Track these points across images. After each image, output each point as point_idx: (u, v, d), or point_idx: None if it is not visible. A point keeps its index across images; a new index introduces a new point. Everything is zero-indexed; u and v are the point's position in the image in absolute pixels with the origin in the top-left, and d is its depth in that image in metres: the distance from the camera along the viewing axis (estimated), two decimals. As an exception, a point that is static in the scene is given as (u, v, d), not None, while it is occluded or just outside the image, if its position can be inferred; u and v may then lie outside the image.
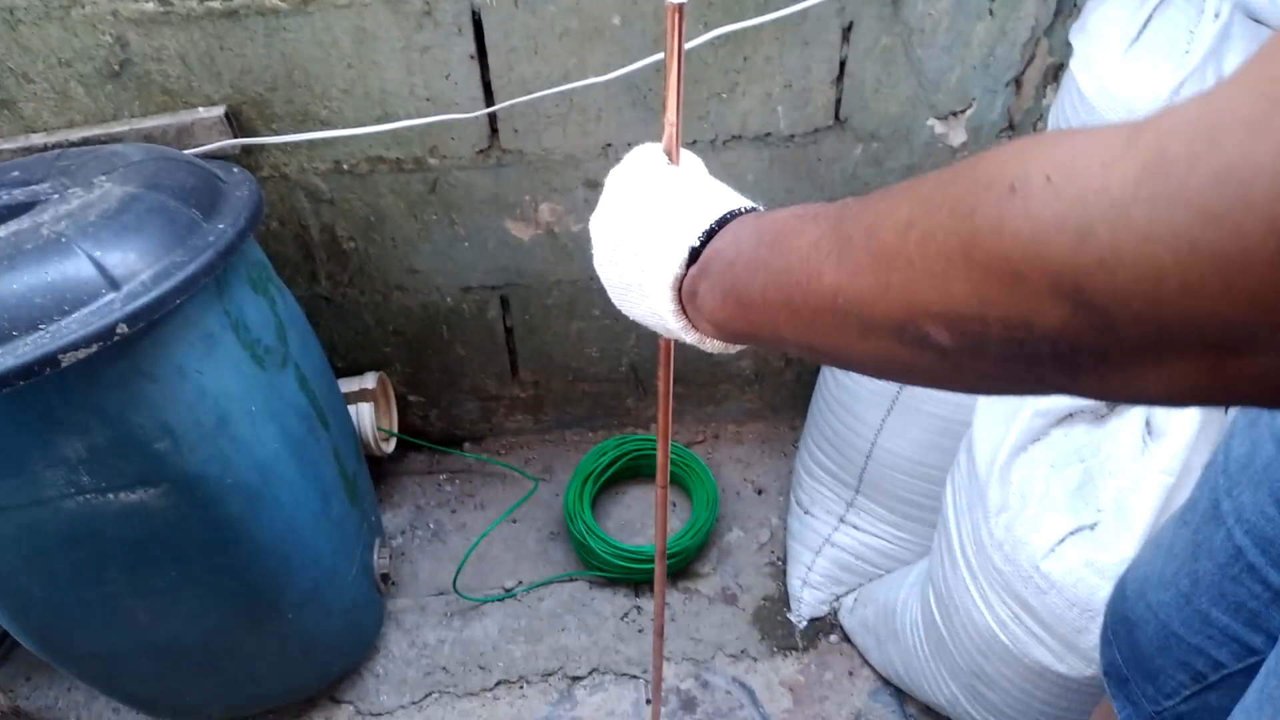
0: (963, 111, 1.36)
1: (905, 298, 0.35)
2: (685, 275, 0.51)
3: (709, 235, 0.51)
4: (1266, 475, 0.64)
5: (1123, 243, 0.27)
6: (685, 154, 0.64)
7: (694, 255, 0.51)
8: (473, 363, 1.67)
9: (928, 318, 0.34)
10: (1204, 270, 0.25)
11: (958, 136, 1.39)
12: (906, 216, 0.36)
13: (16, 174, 1.04)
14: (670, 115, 0.61)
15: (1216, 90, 0.27)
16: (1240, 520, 0.66)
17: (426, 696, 1.43)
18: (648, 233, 0.54)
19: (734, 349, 0.55)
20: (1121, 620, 0.80)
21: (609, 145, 1.34)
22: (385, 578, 1.44)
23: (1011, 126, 1.38)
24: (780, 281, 0.43)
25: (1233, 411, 0.94)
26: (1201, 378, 0.29)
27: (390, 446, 1.66)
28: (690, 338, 0.54)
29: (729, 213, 0.52)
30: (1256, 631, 0.66)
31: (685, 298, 0.52)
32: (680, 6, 0.57)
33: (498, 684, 1.44)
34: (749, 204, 0.53)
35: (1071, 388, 0.33)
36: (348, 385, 1.57)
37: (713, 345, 0.54)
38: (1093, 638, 0.99)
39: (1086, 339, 0.30)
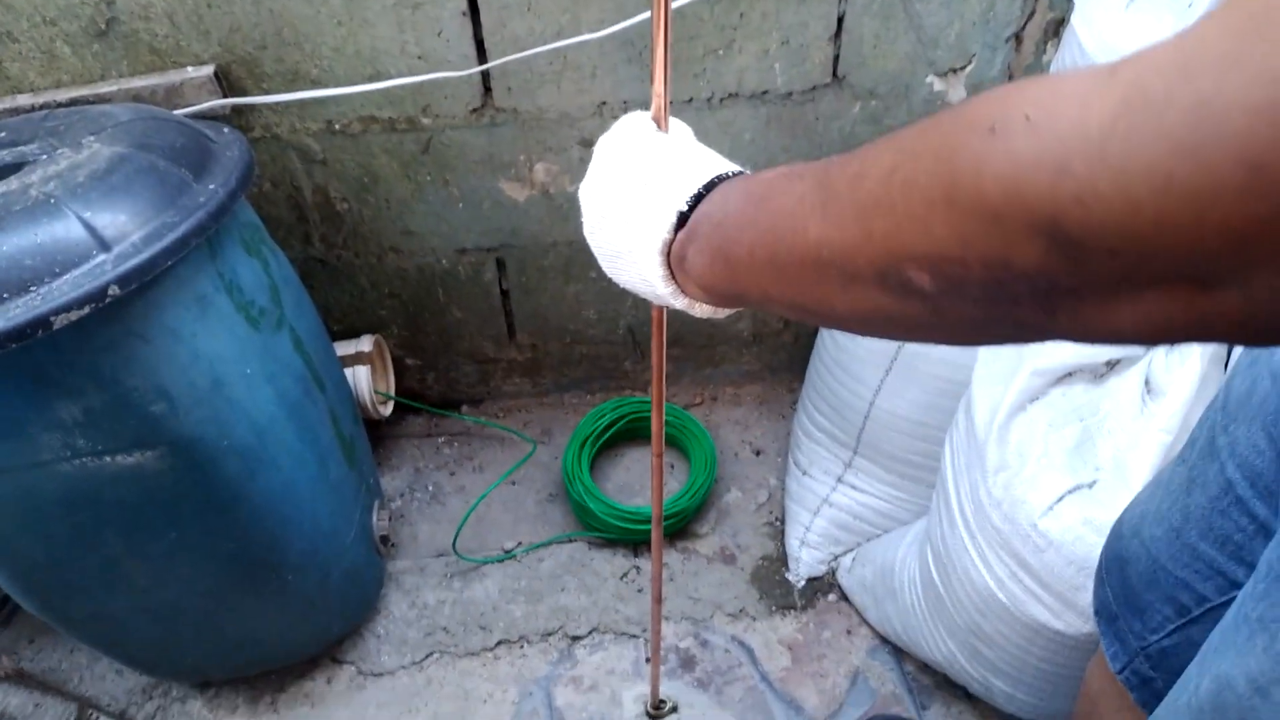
0: (962, 68, 1.34)
1: (887, 243, 0.36)
2: (674, 240, 0.52)
3: (696, 200, 0.51)
4: (1261, 410, 0.65)
5: (1099, 178, 0.27)
6: (674, 122, 0.64)
7: (682, 220, 0.51)
8: (469, 325, 1.66)
9: (909, 261, 0.35)
10: (1177, 203, 0.26)
11: (957, 94, 1.37)
12: (890, 163, 0.36)
13: (3, 135, 1.02)
14: (658, 85, 0.62)
15: (1193, 27, 0.27)
16: (1234, 455, 0.67)
17: (428, 656, 1.44)
18: (635, 200, 0.54)
19: (723, 313, 0.55)
20: (1115, 559, 0.81)
21: (604, 103, 1.33)
22: (385, 540, 1.44)
23: (1012, 83, 1.37)
24: (766, 239, 0.43)
25: (1236, 351, 0.94)
26: (1176, 313, 0.30)
27: (388, 409, 1.65)
28: (680, 303, 0.54)
29: (716, 177, 0.52)
30: (1240, 564, 0.68)
31: (674, 263, 0.53)
32: None
33: (498, 644, 1.45)
34: (736, 168, 0.54)
35: (1050, 326, 0.34)
36: (344, 348, 1.56)
37: (702, 310, 0.55)
38: (1090, 595, 0.99)
39: (1063, 275, 0.30)
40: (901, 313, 0.38)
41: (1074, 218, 0.29)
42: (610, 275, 0.60)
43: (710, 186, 0.51)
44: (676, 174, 0.53)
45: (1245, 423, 0.66)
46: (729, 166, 0.54)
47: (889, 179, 0.36)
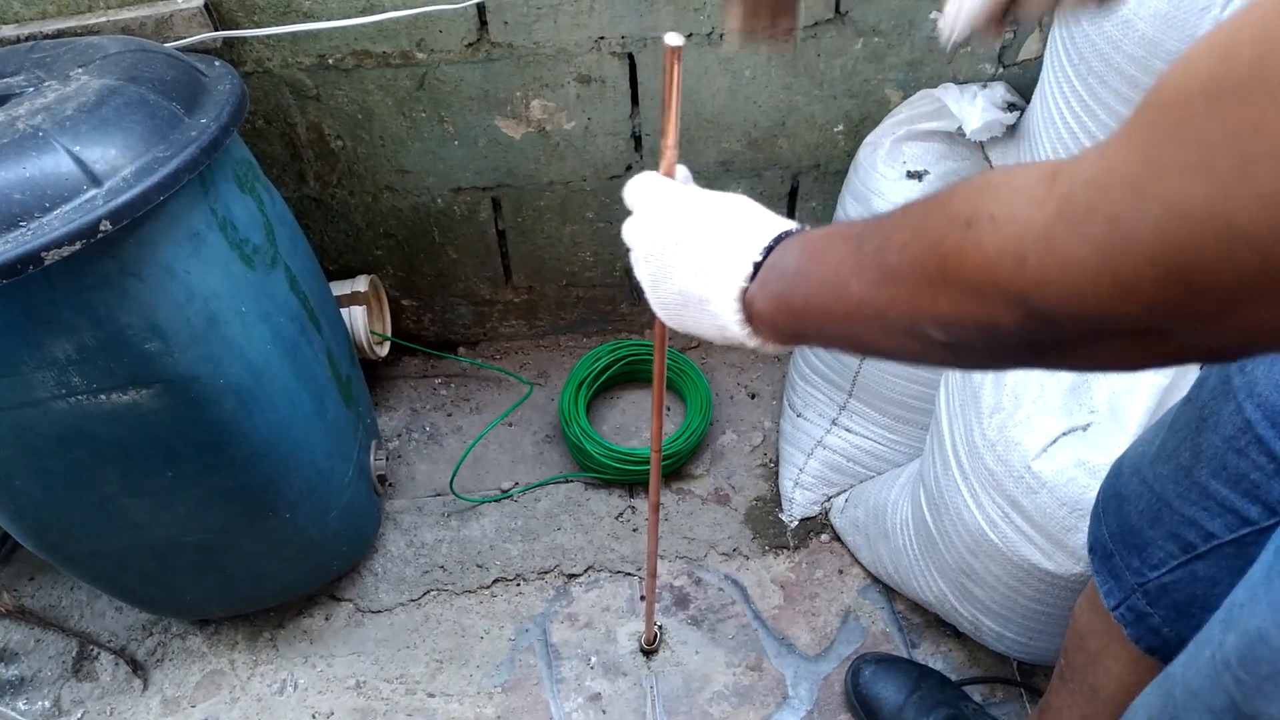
0: (967, 5, 1.32)
1: (907, 305, 0.45)
2: (748, 288, 0.59)
3: (766, 252, 0.58)
4: None
5: (1049, 268, 0.36)
6: (678, 169, 0.73)
7: (754, 270, 0.59)
8: (465, 266, 1.65)
9: (925, 320, 0.44)
10: (1109, 287, 0.34)
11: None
12: (903, 240, 0.45)
13: (-11, 67, 1.00)
14: (670, 139, 0.71)
15: (1108, 147, 0.35)
16: (1252, 394, 0.67)
17: (425, 594, 1.46)
18: (708, 253, 0.61)
19: (786, 350, 0.63)
20: (1113, 496, 0.82)
21: (601, 38, 1.30)
22: (382, 479, 1.45)
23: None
24: (819, 292, 0.52)
25: None
26: (1138, 353, 0.38)
27: (384, 350, 1.65)
28: (751, 343, 0.61)
29: (784, 232, 0.59)
30: (1254, 503, 0.68)
31: (746, 308, 0.59)
32: (678, 49, 0.68)
33: (495, 581, 1.47)
34: (796, 225, 0.61)
35: (1044, 364, 0.43)
36: (339, 288, 1.55)
37: (769, 348, 0.61)
38: (1081, 536, 1.00)
39: (1041, 333, 0.39)
40: (928, 353, 0.47)
41: (1037, 296, 0.37)
42: (673, 323, 0.67)
43: (778, 239, 0.58)
44: (749, 229, 0.60)
45: (1265, 362, 0.67)
46: (791, 224, 0.61)
47: (901, 255, 0.45)
